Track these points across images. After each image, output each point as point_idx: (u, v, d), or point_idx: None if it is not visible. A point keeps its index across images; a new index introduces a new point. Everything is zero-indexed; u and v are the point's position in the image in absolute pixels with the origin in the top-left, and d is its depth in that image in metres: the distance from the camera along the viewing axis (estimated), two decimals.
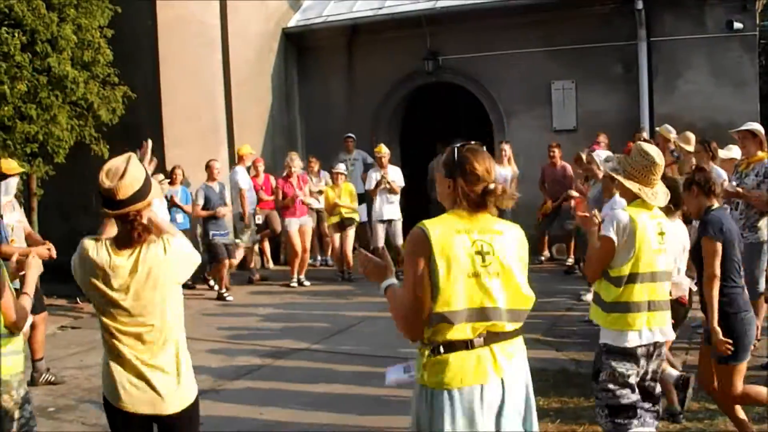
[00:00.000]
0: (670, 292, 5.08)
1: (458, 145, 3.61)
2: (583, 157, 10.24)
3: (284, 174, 13.63)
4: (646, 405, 4.83)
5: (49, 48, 10.71)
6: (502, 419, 3.43)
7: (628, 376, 4.73)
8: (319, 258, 15.28)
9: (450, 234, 3.41)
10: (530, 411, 3.57)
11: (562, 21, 14.28)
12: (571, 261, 13.19)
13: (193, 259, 4.08)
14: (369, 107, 16.26)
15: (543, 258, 14.01)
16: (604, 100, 14.13)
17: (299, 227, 13.46)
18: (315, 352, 9.09)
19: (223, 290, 12.45)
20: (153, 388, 3.91)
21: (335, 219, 13.59)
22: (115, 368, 3.91)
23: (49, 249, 7.31)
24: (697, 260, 5.64)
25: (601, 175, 9.83)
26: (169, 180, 12.41)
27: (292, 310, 11.43)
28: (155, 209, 4.00)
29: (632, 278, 4.70)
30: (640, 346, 4.73)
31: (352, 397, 7.31)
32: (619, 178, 4.83)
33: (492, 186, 3.50)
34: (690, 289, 6.22)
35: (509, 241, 3.54)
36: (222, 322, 10.75)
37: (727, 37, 13.32)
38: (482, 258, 3.41)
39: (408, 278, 3.43)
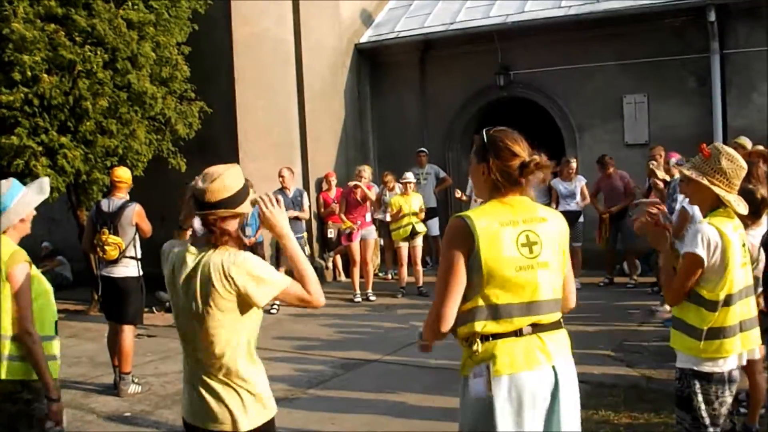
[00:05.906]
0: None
1: (485, 129, 3.48)
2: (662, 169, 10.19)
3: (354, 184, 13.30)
4: None
5: (129, 65, 11.03)
6: (556, 416, 3.27)
7: (723, 404, 4.29)
8: (390, 272, 15.20)
9: (496, 226, 3.28)
10: (578, 413, 3.41)
11: (633, 34, 14.16)
12: (634, 281, 12.97)
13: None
14: (441, 122, 16.37)
15: (606, 281, 13.32)
16: (676, 113, 13.91)
17: (360, 239, 13.21)
18: (387, 363, 9.14)
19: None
20: (203, 400, 3.67)
21: (402, 228, 13.17)
22: (184, 374, 3.83)
23: None
24: None
25: (662, 185, 9.84)
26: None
27: (363, 322, 11.52)
28: (282, 221, 3.81)
29: (728, 301, 4.22)
30: (733, 370, 4.32)
31: (425, 408, 7.33)
32: (704, 182, 4.27)
33: (528, 159, 3.34)
34: None
35: (554, 228, 3.43)
36: (293, 332, 10.85)
37: None
38: (530, 249, 3.30)
39: (444, 270, 3.32)
